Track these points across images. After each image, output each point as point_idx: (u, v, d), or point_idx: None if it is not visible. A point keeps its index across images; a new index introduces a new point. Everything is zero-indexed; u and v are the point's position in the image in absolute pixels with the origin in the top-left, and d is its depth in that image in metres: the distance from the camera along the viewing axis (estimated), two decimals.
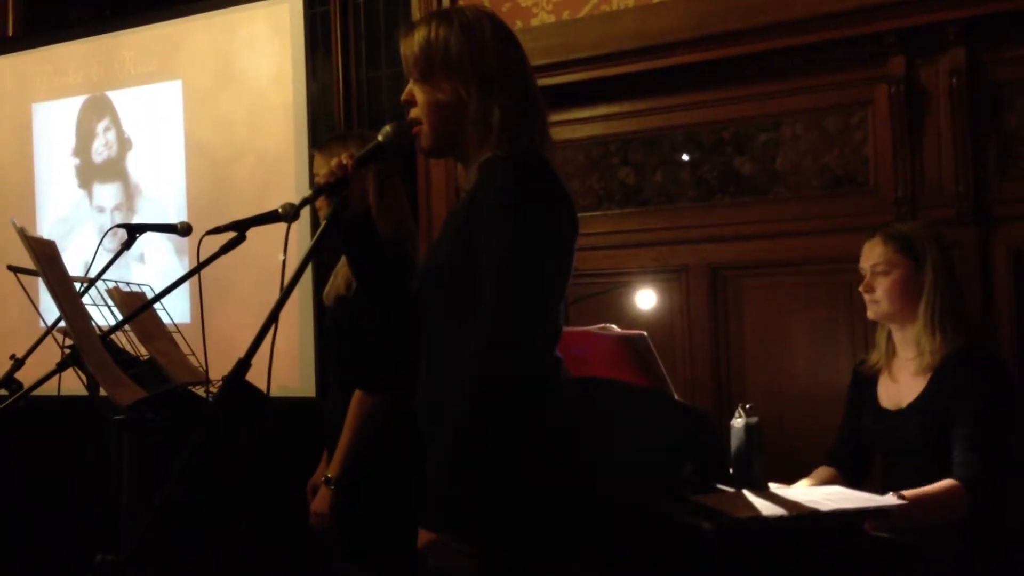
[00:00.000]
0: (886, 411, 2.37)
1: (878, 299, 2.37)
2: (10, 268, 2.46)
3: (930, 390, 2.27)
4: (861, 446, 2.48)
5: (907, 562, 2.10)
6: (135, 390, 2.05)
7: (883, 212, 2.92)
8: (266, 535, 3.61)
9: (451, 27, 1.75)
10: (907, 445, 2.29)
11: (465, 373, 1.61)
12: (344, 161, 1.82)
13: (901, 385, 2.36)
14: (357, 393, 2.39)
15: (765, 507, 1.95)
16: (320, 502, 2.41)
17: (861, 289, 2.41)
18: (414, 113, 1.80)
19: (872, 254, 2.39)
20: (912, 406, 2.30)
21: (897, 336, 2.40)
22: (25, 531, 4.36)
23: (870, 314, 2.41)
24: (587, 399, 1.87)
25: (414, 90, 1.79)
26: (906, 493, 2.08)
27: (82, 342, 1.92)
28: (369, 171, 1.92)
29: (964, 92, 2.84)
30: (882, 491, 2.16)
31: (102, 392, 2.09)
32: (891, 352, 2.42)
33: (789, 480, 2.42)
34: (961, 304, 2.35)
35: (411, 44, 1.78)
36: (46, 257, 1.96)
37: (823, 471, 2.48)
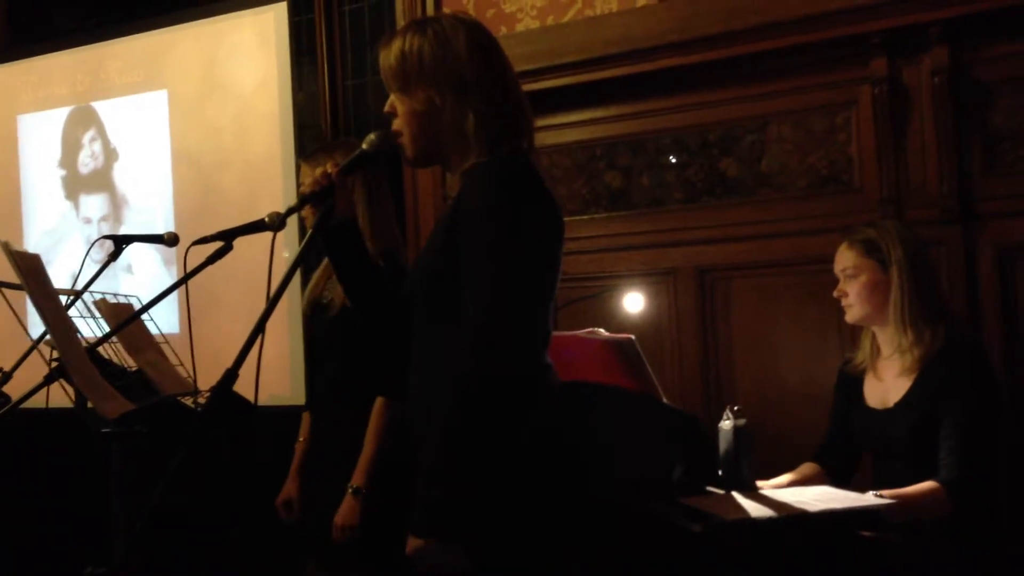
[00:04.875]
0: (873, 410, 2.39)
1: (851, 303, 2.41)
2: None
3: (916, 389, 2.29)
4: (847, 445, 2.50)
5: (897, 563, 2.10)
6: (122, 403, 2.05)
7: (868, 212, 2.94)
8: (256, 544, 3.60)
9: (424, 37, 1.76)
10: (895, 444, 2.30)
11: (453, 378, 1.61)
12: (329, 170, 1.82)
13: (887, 384, 2.37)
14: (380, 401, 2.38)
15: (754, 509, 1.96)
16: (347, 514, 2.37)
17: (835, 294, 2.44)
18: (396, 124, 1.81)
19: (841, 259, 2.44)
20: (899, 405, 2.31)
21: (879, 336, 2.42)
22: (15, 544, 4.33)
23: (847, 318, 2.45)
24: (575, 403, 1.87)
25: (394, 101, 1.80)
26: (886, 492, 2.10)
27: (68, 356, 1.91)
28: (355, 179, 1.93)
29: (947, 92, 2.86)
30: (874, 487, 2.16)
31: (90, 405, 2.08)
32: (876, 352, 2.44)
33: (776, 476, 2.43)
34: (936, 300, 2.36)
35: (388, 56, 1.79)
36: (31, 271, 1.96)
37: (807, 467, 2.49)
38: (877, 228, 2.43)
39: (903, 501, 2.09)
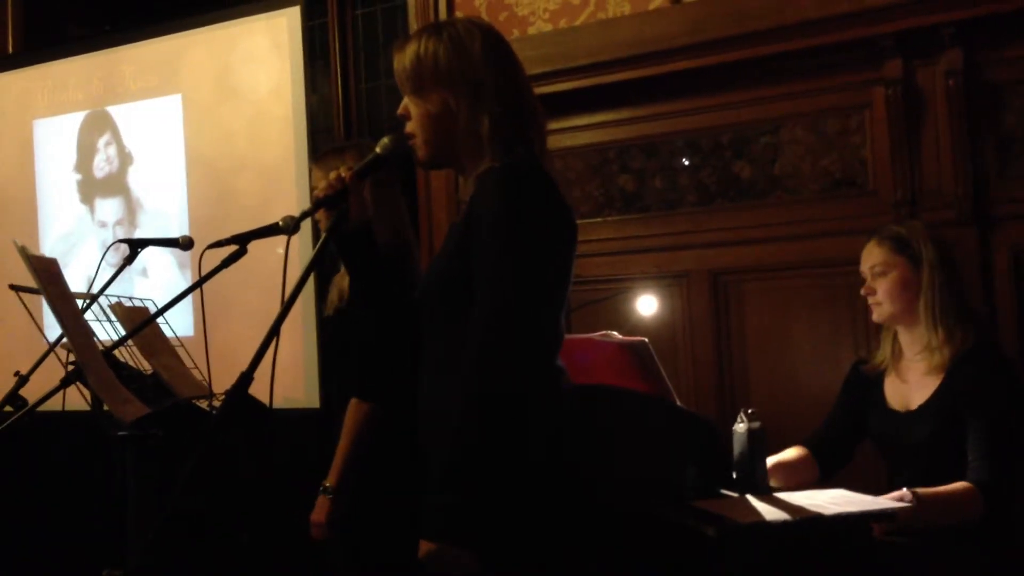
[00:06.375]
0: (895, 411, 2.36)
1: (880, 300, 2.37)
2: (12, 287, 2.47)
3: (942, 391, 2.26)
4: (844, 439, 2.48)
5: (915, 565, 2.09)
6: (138, 406, 2.06)
7: (883, 214, 2.93)
8: (270, 547, 3.61)
9: (440, 40, 1.77)
10: (916, 446, 2.28)
11: (463, 382, 1.61)
12: (343, 174, 1.83)
13: (911, 386, 2.35)
14: (352, 401, 2.40)
15: (769, 512, 1.95)
16: (318, 512, 2.41)
17: (863, 293, 2.41)
18: (409, 127, 1.81)
19: (870, 257, 2.40)
20: (923, 407, 2.28)
21: (904, 337, 2.39)
22: (31, 547, 4.36)
23: (875, 317, 2.40)
24: (589, 407, 1.87)
25: (408, 104, 1.81)
26: (920, 492, 2.07)
27: (85, 359, 1.92)
28: (368, 182, 1.93)
29: (961, 93, 2.85)
30: (888, 490, 2.15)
31: (106, 407, 2.09)
32: (898, 353, 2.41)
33: None
34: (964, 301, 2.35)
35: (403, 59, 1.79)
36: (48, 275, 1.97)
37: (796, 449, 2.48)
38: (906, 226, 2.41)
39: (938, 501, 2.08)
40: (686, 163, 3.35)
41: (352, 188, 1.82)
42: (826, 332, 3.09)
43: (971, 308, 2.37)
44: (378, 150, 1.85)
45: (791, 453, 2.46)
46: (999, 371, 2.25)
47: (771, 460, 2.39)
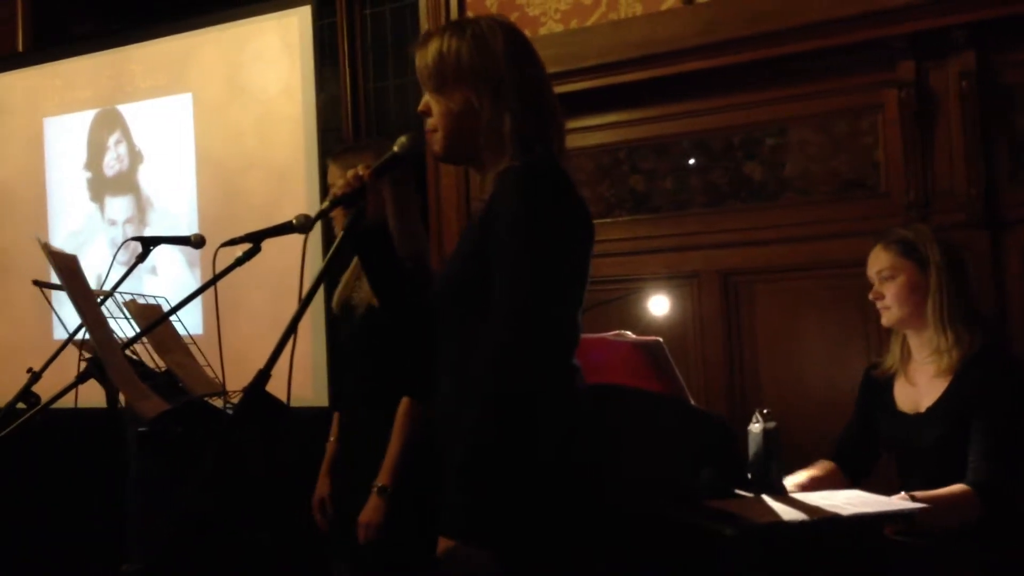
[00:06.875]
0: (904, 415, 2.37)
1: (888, 305, 2.37)
2: (36, 283, 2.47)
3: (950, 394, 2.27)
4: (867, 445, 2.49)
5: (917, 564, 2.09)
6: (158, 402, 2.06)
7: (894, 216, 2.92)
8: (285, 544, 3.61)
9: (463, 38, 1.77)
10: (925, 449, 2.29)
11: (479, 381, 1.61)
12: (361, 172, 1.83)
13: (920, 388, 2.35)
14: (405, 401, 2.39)
15: (785, 512, 1.95)
16: (371, 513, 2.38)
17: (871, 297, 2.41)
18: (430, 124, 1.81)
19: (876, 261, 2.41)
20: (931, 410, 2.29)
21: (913, 341, 2.40)
22: (48, 545, 4.35)
23: (884, 321, 2.41)
24: (604, 406, 1.87)
25: (429, 101, 1.81)
26: (917, 494, 2.08)
27: (106, 355, 1.92)
28: (384, 181, 1.93)
29: (974, 95, 2.85)
30: (899, 492, 2.15)
31: (122, 404, 2.09)
32: (907, 356, 2.42)
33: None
34: (972, 303, 2.35)
35: (425, 56, 1.79)
36: (69, 271, 1.97)
37: (824, 464, 2.48)
38: (912, 230, 2.41)
39: (935, 503, 2.08)
40: (693, 163, 3.34)
41: (370, 186, 1.82)
42: (836, 333, 3.09)
43: (978, 311, 2.38)
44: (396, 148, 1.85)
45: (819, 469, 2.46)
46: (1006, 373, 2.25)
47: (804, 475, 2.40)
